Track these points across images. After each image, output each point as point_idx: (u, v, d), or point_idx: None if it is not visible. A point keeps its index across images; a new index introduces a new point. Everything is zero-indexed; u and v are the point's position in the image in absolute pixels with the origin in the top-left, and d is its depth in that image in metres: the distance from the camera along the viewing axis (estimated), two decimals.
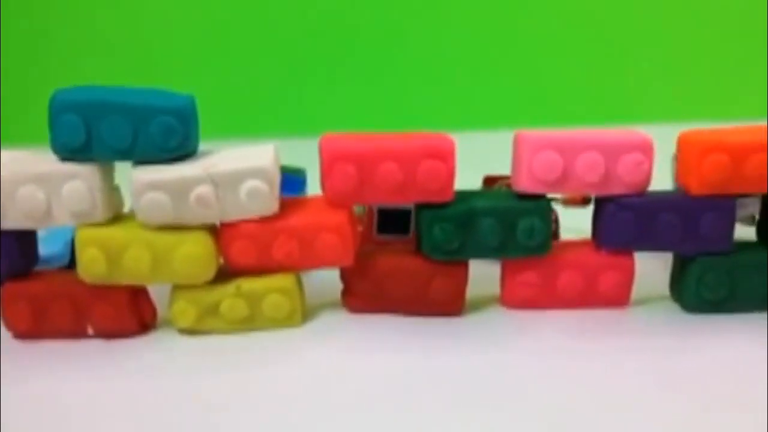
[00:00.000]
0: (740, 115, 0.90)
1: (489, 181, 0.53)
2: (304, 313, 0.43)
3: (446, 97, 1.03)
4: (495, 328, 0.42)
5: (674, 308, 0.44)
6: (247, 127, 1.01)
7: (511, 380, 0.37)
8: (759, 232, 0.44)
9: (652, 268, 0.45)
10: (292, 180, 0.53)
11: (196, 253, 0.39)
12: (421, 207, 0.42)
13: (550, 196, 0.42)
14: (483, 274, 0.44)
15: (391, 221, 0.49)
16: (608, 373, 0.37)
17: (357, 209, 0.52)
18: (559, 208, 0.52)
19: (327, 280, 0.45)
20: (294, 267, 0.41)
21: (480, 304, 0.45)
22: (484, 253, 0.42)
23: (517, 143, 0.42)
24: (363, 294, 0.43)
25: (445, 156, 0.40)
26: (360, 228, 0.51)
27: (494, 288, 0.45)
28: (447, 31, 1.03)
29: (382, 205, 0.49)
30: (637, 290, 0.44)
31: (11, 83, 1.03)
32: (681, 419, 0.33)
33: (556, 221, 0.53)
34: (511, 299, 0.44)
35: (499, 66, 1.03)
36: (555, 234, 0.53)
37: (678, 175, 0.42)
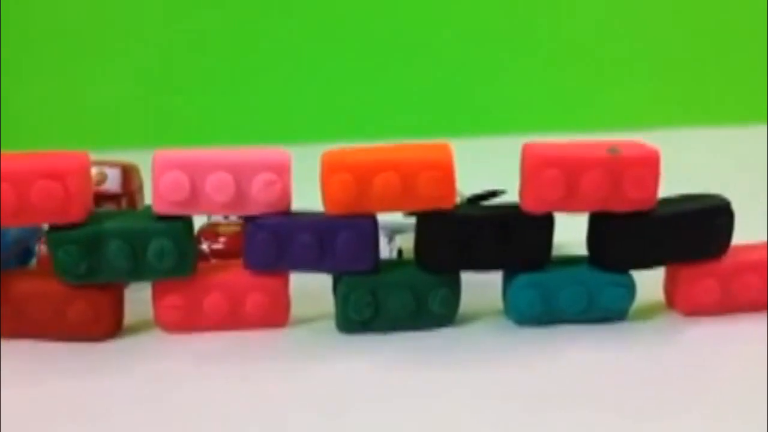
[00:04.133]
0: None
1: None
2: None
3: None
4: (137, 352, 0.41)
5: (332, 328, 0.44)
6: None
7: (124, 407, 0.36)
8: (415, 252, 0.44)
9: None
10: None
11: None
12: (50, 229, 0.41)
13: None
14: None
15: None
16: (240, 394, 0.37)
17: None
18: None
19: None
20: None
21: (140, 328, 0.44)
22: (116, 276, 0.41)
23: None
24: (5, 318, 0.41)
25: (59, 175, 0.39)
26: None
27: None
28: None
29: None
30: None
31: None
32: None
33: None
34: (162, 322, 0.43)
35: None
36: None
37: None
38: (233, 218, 0.52)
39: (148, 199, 0.52)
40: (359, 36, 1.01)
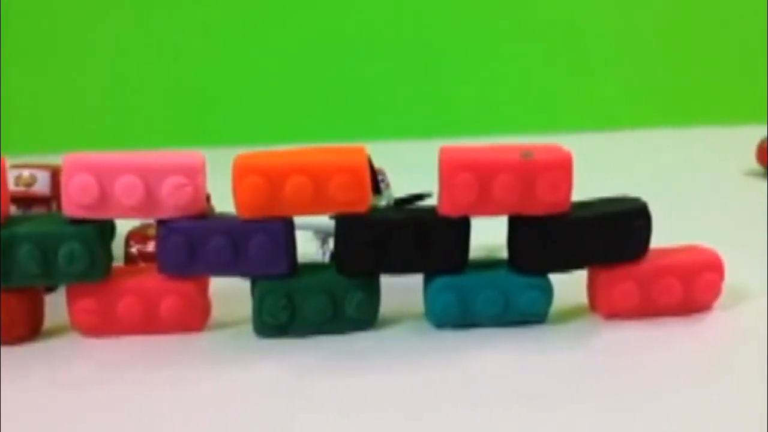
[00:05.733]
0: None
1: None
2: None
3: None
4: (49, 356, 0.41)
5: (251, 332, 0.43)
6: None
7: (25, 413, 0.36)
8: (336, 256, 0.43)
9: None
10: None
11: None
12: None
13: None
14: None
15: None
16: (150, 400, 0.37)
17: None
18: None
19: None
20: None
21: (59, 332, 0.43)
22: (28, 280, 0.40)
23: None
24: None
25: None
26: None
27: None
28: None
29: None
30: None
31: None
32: None
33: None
34: (77, 326, 0.42)
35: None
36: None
37: None
38: None
39: None
40: (276, 38, 1.01)
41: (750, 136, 0.81)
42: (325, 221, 0.48)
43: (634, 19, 1.02)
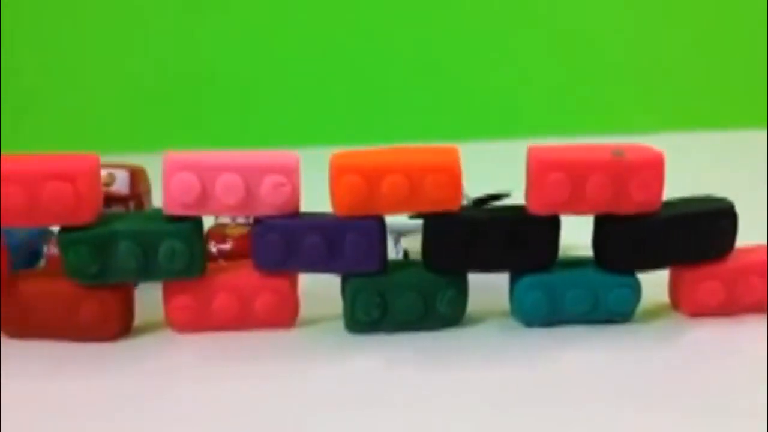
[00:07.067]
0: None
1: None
2: None
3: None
4: (147, 352, 0.42)
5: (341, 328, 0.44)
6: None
7: (132, 406, 0.36)
8: (423, 253, 0.44)
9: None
10: None
11: None
12: (61, 230, 0.41)
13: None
14: None
15: None
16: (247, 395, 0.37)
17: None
18: None
19: None
20: None
21: (149, 328, 0.44)
22: (126, 276, 0.41)
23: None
24: (13, 320, 0.42)
25: (70, 177, 0.39)
26: None
27: None
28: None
29: None
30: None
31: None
32: None
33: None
34: (172, 322, 0.43)
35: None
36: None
37: None
38: (240, 220, 0.53)
39: (155, 201, 0.52)
40: (367, 40, 1.02)
41: None
42: (399, 220, 0.49)
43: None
